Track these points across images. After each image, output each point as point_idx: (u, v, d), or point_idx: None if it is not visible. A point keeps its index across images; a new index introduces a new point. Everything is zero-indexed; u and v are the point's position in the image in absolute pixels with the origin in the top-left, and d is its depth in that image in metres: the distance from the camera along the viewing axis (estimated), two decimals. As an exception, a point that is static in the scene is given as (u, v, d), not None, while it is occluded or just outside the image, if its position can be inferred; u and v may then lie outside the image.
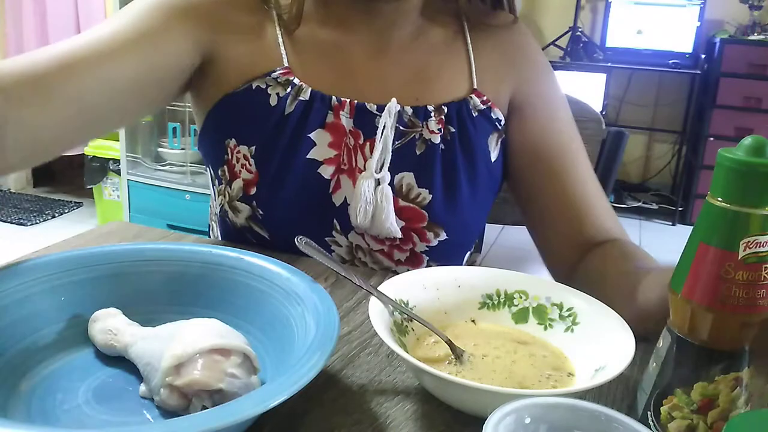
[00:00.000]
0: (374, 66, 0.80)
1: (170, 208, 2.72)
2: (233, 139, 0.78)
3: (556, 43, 3.90)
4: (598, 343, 0.53)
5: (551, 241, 0.84)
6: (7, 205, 3.45)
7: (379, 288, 0.56)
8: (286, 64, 0.77)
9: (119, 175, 2.87)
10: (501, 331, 0.59)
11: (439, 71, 0.81)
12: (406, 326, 0.56)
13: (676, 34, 3.75)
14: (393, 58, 0.80)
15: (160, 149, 2.82)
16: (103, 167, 3.05)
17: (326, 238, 0.79)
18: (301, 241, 0.59)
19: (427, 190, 0.78)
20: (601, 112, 3.32)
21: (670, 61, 3.70)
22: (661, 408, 0.43)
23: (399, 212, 0.78)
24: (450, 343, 0.54)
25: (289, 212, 0.78)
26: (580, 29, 3.86)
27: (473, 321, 0.60)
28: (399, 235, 0.78)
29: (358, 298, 0.68)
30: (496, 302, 0.61)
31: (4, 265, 0.56)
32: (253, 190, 0.78)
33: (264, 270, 0.57)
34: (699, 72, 3.64)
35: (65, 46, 0.67)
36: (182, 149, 2.73)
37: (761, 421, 0.34)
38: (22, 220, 3.26)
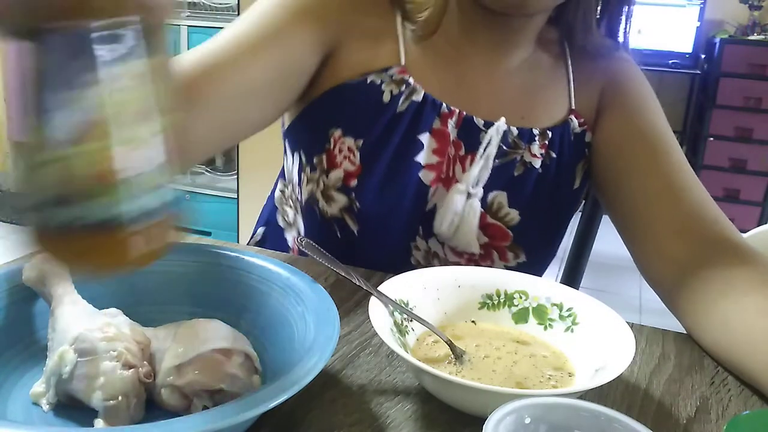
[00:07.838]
0: (488, 80, 0.80)
1: (170, 208, 2.71)
2: (339, 129, 0.77)
3: (556, 43, 3.89)
4: (598, 343, 0.53)
5: (650, 229, 0.74)
6: (8, 205, 3.45)
7: (379, 288, 0.56)
8: (403, 63, 0.77)
9: (119, 175, 2.86)
10: (501, 331, 0.59)
11: (544, 92, 0.82)
12: (406, 326, 0.56)
13: (676, 34, 3.75)
14: (506, 75, 0.81)
15: (160, 149, 2.82)
16: (103, 167, 3.05)
17: (410, 242, 0.80)
18: (301, 241, 0.59)
19: (517, 212, 0.78)
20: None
21: (670, 61, 3.70)
22: None
23: (485, 228, 0.78)
24: (450, 343, 0.54)
25: (386, 210, 0.77)
26: (580, 29, 3.86)
27: (473, 321, 0.60)
28: (477, 251, 0.78)
29: (358, 298, 0.68)
30: (496, 302, 0.61)
31: (5, 264, 0.56)
32: (353, 182, 0.77)
33: (264, 270, 0.57)
34: (699, 72, 3.64)
35: (205, 51, 0.68)
36: (182, 149, 2.73)
37: (761, 421, 0.34)
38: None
